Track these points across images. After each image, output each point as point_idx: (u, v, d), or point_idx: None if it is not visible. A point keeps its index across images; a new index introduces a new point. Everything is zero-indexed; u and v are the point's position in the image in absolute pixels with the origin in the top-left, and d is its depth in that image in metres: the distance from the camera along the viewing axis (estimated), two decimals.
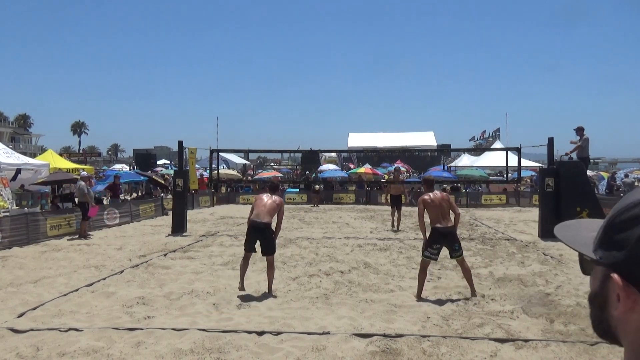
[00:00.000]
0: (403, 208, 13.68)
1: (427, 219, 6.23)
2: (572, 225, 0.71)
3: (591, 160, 16.78)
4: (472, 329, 4.82)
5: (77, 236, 11.51)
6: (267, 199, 6.38)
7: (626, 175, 23.18)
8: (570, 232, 0.69)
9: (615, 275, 0.58)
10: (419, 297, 6.02)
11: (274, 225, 6.43)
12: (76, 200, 13.27)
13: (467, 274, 6.12)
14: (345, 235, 11.91)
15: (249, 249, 6.26)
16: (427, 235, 6.16)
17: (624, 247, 0.57)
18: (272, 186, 6.73)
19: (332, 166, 38.93)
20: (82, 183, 12.13)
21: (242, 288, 6.12)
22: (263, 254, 6.38)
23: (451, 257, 6.22)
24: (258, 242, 6.27)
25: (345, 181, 28.14)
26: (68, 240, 11.14)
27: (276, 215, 6.35)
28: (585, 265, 0.67)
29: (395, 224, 13.13)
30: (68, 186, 18.08)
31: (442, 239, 6.04)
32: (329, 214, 17.93)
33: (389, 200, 13.19)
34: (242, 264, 6.32)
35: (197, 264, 8.30)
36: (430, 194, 6.24)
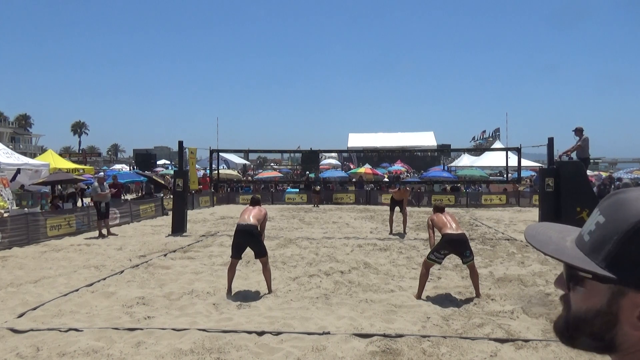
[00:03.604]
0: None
1: (437, 232, 6.29)
2: (540, 237, 0.66)
3: (591, 160, 16.77)
4: (472, 329, 4.82)
5: (97, 236, 11.73)
6: (252, 208, 6.53)
7: (619, 179, 23.06)
8: (554, 246, 0.64)
9: None
10: (419, 297, 6.02)
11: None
12: (90, 199, 13.61)
13: (475, 277, 6.11)
14: (345, 236, 11.91)
15: (236, 255, 6.21)
16: (437, 242, 6.17)
17: None
18: (254, 200, 6.81)
19: (333, 161, 39.02)
20: (96, 183, 12.33)
21: (230, 296, 6.14)
22: (256, 257, 6.40)
23: (463, 263, 6.22)
24: (247, 248, 6.26)
25: (345, 181, 28.15)
26: (85, 239, 11.32)
27: (262, 222, 6.42)
28: (576, 279, 0.62)
29: (398, 227, 12.74)
30: (68, 186, 18.11)
31: (451, 247, 5.99)
32: (329, 214, 17.93)
33: (389, 201, 12.99)
34: (229, 270, 6.28)
35: (197, 264, 8.29)
36: (439, 213, 6.36)
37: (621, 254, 0.56)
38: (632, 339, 0.57)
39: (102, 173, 15.71)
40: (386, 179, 28.68)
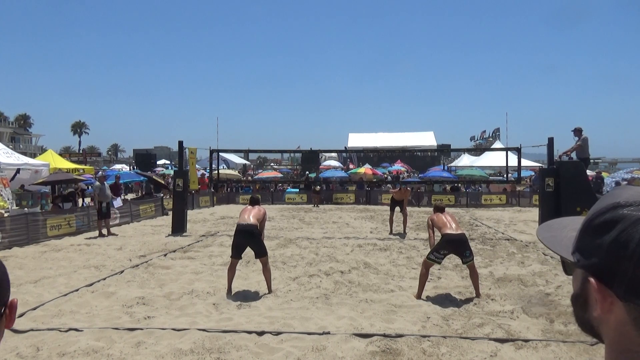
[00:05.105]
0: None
1: (437, 232, 6.29)
2: (555, 225, 0.71)
3: (591, 160, 16.76)
4: (472, 329, 4.82)
5: (97, 236, 11.73)
6: (252, 208, 6.51)
7: (618, 183, 23.03)
8: (552, 233, 0.69)
9: (591, 279, 0.59)
10: (419, 297, 6.02)
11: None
12: (92, 198, 13.69)
13: (475, 277, 6.11)
14: (345, 235, 11.91)
15: (236, 255, 6.22)
16: (436, 242, 6.16)
17: (598, 252, 0.59)
18: (253, 199, 6.79)
19: (334, 163, 39.02)
20: (97, 183, 12.31)
21: (230, 296, 6.14)
22: (256, 257, 6.41)
23: (462, 263, 6.22)
24: (247, 248, 6.26)
25: (345, 181, 28.15)
26: (85, 239, 11.30)
27: (262, 221, 6.40)
28: (567, 266, 0.68)
29: (398, 227, 12.75)
30: (67, 186, 18.10)
31: (451, 247, 5.99)
32: (329, 214, 17.94)
33: (390, 201, 13.01)
34: (229, 270, 6.29)
35: (197, 264, 8.30)
36: (439, 213, 6.37)
37: (580, 242, 0.62)
38: (595, 322, 0.62)
39: (101, 172, 15.72)
40: (389, 178, 28.72)
